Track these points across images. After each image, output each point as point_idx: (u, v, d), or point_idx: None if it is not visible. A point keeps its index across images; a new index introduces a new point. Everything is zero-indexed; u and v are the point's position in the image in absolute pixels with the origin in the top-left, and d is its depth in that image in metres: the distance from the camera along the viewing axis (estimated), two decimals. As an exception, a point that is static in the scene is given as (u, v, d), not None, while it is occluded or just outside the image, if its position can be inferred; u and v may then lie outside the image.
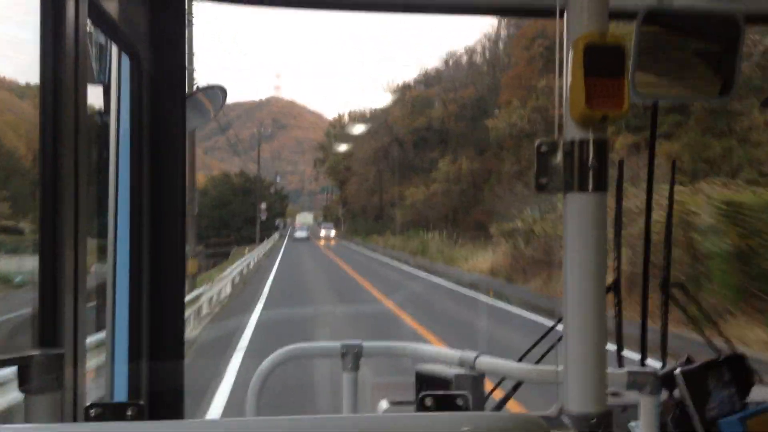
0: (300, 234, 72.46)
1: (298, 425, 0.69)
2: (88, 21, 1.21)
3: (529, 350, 1.77)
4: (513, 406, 1.37)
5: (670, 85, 1.34)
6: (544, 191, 0.86)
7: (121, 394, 1.48)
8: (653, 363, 1.65)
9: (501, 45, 48.34)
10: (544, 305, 14.61)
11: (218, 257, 39.24)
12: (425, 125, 51.76)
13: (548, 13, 1.60)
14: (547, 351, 1.69)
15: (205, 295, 15.05)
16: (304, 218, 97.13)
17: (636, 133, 20.25)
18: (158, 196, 1.55)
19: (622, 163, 1.76)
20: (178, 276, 1.59)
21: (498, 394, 1.75)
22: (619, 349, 1.74)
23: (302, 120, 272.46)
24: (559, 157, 0.85)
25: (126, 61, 1.51)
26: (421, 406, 1.01)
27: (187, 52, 1.66)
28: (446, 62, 59.02)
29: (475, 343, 10.66)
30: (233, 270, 22.07)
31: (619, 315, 1.71)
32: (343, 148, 74.22)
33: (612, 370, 1.45)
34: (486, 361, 1.54)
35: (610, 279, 1.72)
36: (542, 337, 1.75)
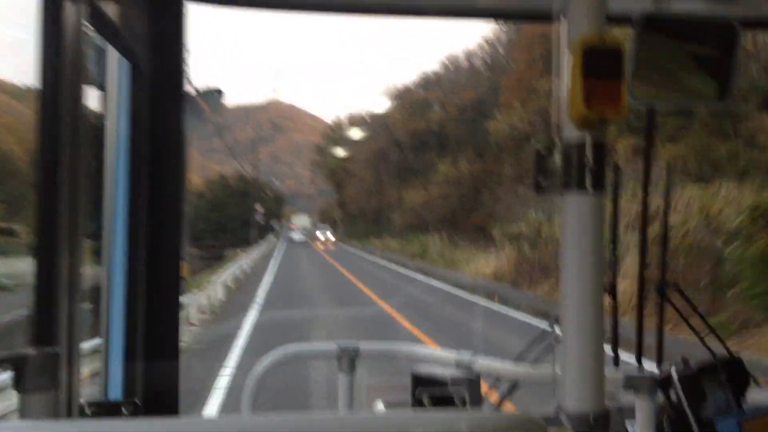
0: (296, 237, 72.30)
1: (293, 423, 0.69)
2: (87, 24, 1.22)
3: (525, 351, 1.78)
4: (509, 408, 1.37)
5: (667, 90, 1.35)
6: (542, 192, 0.87)
7: (116, 394, 1.49)
8: (649, 365, 1.66)
9: (501, 48, 48.34)
10: (555, 312, 14.37)
11: (214, 260, 39.13)
12: (424, 128, 51.72)
13: (546, 17, 1.62)
14: (544, 352, 1.70)
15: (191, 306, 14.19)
16: (301, 221, 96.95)
17: (639, 136, 20.21)
18: (156, 197, 1.57)
19: (618, 167, 1.77)
20: (174, 276, 1.61)
21: (495, 395, 1.76)
22: (615, 350, 1.75)
23: (300, 123, 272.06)
24: (557, 158, 0.86)
25: (124, 65, 1.52)
26: (418, 404, 1.02)
27: (185, 55, 1.67)
28: (446, 66, 59.07)
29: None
30: (224, 276, 21.30)
31: (615, 316, 1.73)
32: (341, 152, 74.09)
33: (608, 371, 1.46)
34: (482, 362, 1.55)
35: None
36: (538, 338, 1.76)
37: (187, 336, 12.12)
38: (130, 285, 1.51)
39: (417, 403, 1.04)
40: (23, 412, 0.96)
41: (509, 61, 43.43)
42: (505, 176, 35.55)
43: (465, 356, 1.58)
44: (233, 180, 67.85)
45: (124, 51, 1.50)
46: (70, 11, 1.11)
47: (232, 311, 16.26)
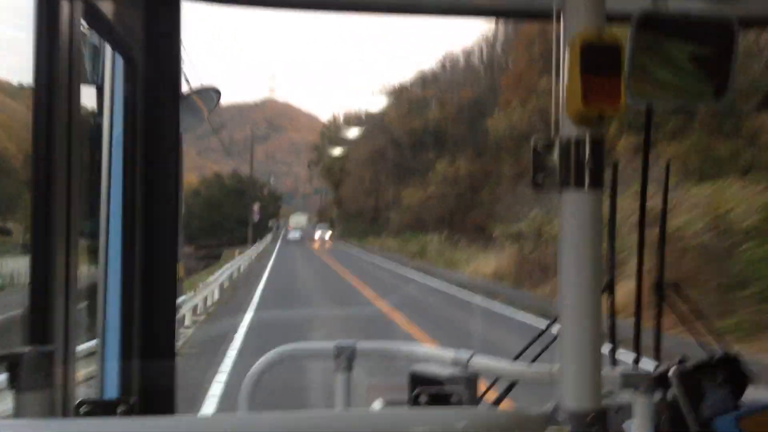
0: (293, 236, 72.31)
1: (290, 421, 0.70)
2: (83, 22, 1.22)
3: (524, 350, 1.79)
4: (507, 407, 1.38)
5: (664, 89, 1.36)
6: (540, 189, 0.88)
7: (112, 393, 1.49)
8: (647, 363, 1.67)
9: (499, 47, 48.36)
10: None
11: (210, 259, 39.07)
12: (422, 127, 51.70)
13: (545, 15, 1.62)
14: (542, 350, 1.71)
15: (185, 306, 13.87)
16: (298, 220, 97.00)
17: (640, 135, 20.13)
18: (151, 196, 1.57)
19: (617, 165, 1.78)
20: (170, 274, 1.61)
21: (492, 395, 1.77)
22: (614, 349, 1.75)
23: (297, 122, 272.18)
24: (555, 155, 0.86)
25: (120, 62, 1.52)
26: (415, 403, 1.03)
27: (181, 53, 1.67)
28: (443, 64, 59.08)
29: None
30: (218, 277, 20.62)
31: (613, 315, 1.73)
32: (338, 151, 74.11)
33: (606, 370, 1.47)
34: (480, 361, 1.55)
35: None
36: (537, 337, 1.77)
37: (180, 340, 11.85)
38: (126, 284, 1.52)
39: (415, 402, 1.04)
40: (18, 410, 0.96)
41: (508, 60, 43.46)
42: (504, 175, 35.53)
43: (463, 355, 1.58)
44: (229, 179, 67.83)
45: (120, 49, 1.50)
46: (65, 9, 1.11)
47: (227, 313, 15.90)
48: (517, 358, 1.70)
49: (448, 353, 1.61)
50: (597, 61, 0.82)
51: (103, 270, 1.51)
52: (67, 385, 1.05)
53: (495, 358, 1.56)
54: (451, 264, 29.92)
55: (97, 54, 1.51)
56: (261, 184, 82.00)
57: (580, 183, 0.84)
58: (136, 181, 1.54)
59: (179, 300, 13.39)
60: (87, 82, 1.51)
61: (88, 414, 0.89)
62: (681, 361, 1.53)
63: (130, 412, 0.90)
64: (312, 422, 0.70)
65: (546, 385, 1.33)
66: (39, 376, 0.98)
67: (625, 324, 1.74)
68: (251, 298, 18.61)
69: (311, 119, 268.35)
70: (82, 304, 1.25)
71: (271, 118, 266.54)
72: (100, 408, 0.90)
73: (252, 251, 38.21)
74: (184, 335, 12.67)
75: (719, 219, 13.36)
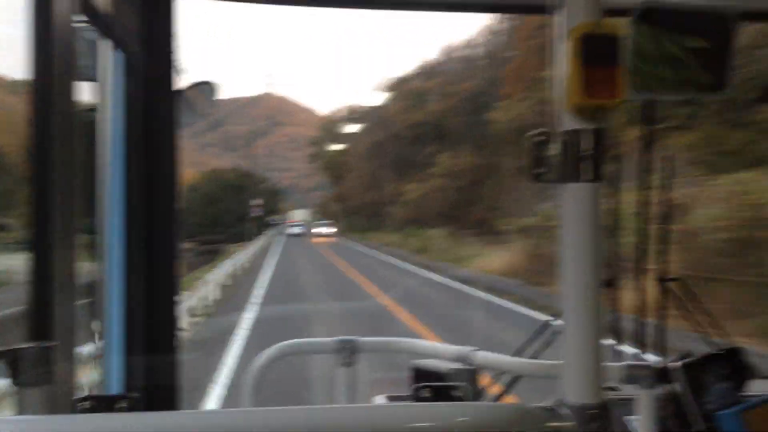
0: (294, 231, 72.34)
1: (293, 416, 0.70)
2: (79, 17, 1.22)
3: (526, 344, 1.79)
4: (509, 401, 1.38)
5: (664, 82, 1.37)
6: (539, 182, 0.88)
7: (115, 388, 1.50)
8: (651, 357, 1.68)
9: (500, 38, 48.25)
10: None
11: (210, 254, 39.05)
12: (423, 120, 51.61)
13: (542, 9, 1.62)
14: (545, 345, 1.72)
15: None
16: (299, 215, 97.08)
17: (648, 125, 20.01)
18: (151, 191, 1.58)
19: (620, 157, 1.78)
20: (172, 269, 1.62)
21: (495, 389, 1.77)
22: (617, 342, 1.76)
23: (296, 117, 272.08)
24: (555, 147, 0.86)
25: (117, 57, 1.53)
26: (417, 398, 1.03)
27: (178, 47, 1.68)
28: (444, 56, 58.97)
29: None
30: (216, 275, 19.57)
31: (616, 308, 1.74)
32: (337, 145, 74.07)
33: (610, 363, 1.48)
34: (483, 356, 1.56)
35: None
36: (539, 331, 1.77)
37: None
38: (127, 279, 1.53)
39: (416, 397, 1.05)
40: (20, 406, 0.97)
41: (511, 51, 43.32)
42: (507, 168, 35.35)
43: (465, 350, 1.59)
44: (228, 173, 67.83)
45: (117, 44, 1.50)
46: (61, 4, 1.12)
47: (227, 312, 15.29)
48: (519, 353, 1.71)
49: (450, 348, 1.62)
50: (596, 53, 0.82)
51: (104, 265, 1.52)
52: (68, 381, 1.06)
53: (497, 354, 1.57)
54: (456, 260, 29.11)
55: (93, 49, 1.51)
56: (261, 178, 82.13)
57: (580, 176, 0.84)
58: (135, 177, 1.55)
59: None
60: (84, 77, 1.51)
61: (89, 410, 0.89)
62: (684, 355, 1.54)
63: (131, 407, 0.91)
64: (314, 417, 0.71)
65: (549, 380, 1.34)
66: (40, 373, 0.99)
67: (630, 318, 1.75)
68: (250, 297, 17.92)
69: (310, 114, 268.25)
70: (83, 301, 1.26)
71: (271, 113, 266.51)
72: (102, 404, 0.90)
73: (252, 248, 37.88)
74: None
75: (747, 211, 12.96)
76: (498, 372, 1.66)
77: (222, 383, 8.67)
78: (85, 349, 1.41)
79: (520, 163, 32.18)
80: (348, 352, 1.73)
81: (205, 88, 2.10)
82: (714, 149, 18.44)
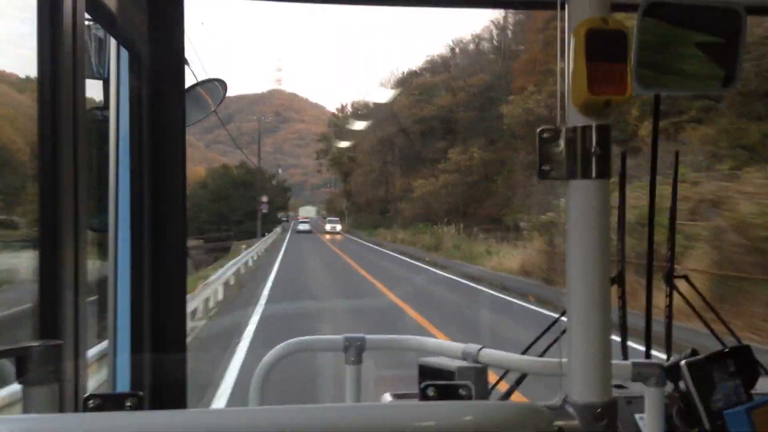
0: (302, 228, 72.43)
1: (300, 414, 0.71)
2: (87, 15, 1.23)
3: (533, 342, 1.80)
4: (517, 399, 1.38)
5: (671, 77, 1.37)
6: (546, 179, 0.88)
7: (123, 387, 1.52)
8: (658, 355, 1.68)
9: (510, 31, 48.06)
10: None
11: (219, 252, 39.07)
12: (433, 114, 51.40)
13: (549, 4, 1.62)
14: (552, 343, 1.72)
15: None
16: (307, 212, 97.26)
17: (662, 119, 19.74)
18: (158, 189, 1.59)
19: (625, 154, 1.78)
20: (179, 267, 1.63)
21: (502, 387, 1.78)
22: (624, 340, 1.76)
23: (304, 113, 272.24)
24: (561, 144, 0.86)
25: (125, 55, 1.54)
26: (423, 396, 1.04)
27: (185, 44, 1.69)
28: (453, 50, 58.79)
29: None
30: (221, 275, 18.48)
31: (623, 306, 1.74)
32: (345, 144, 73.92)
33: (617, 362, 1.48)
34: (489, 354, 1.56)
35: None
36: (547, 329, 1.78)
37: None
38: (135, 277, 1.54)
39: (422, 395, 1.05)
40: (27, 405, 0.98)
41: (522, 43, 43.09)
42: (519, 163, 35.04)
43: (472, 348, 1.60)
44: (236, 170, 67.86)
45: (124, 41, 1.52)
46: (69, 2, 1.13)
47: (232, 315, 14.46)
48: (526, 351, 1.72)
49: (458, 346, 1.63)
50: (603, 49, 0.82)
51: (112, 263, 1.53)
52: (76, 379, 1.07)
53: (504, 351, 1.57)
54: (470, 258, 28.35)
55: (101, 47, 1.53)
56: (269, 175, 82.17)
57: (586, 173, 0.84)
58: (143, 174, 1.56)
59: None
60: (92, 75, 1.53)
61: (96, 408, 0.90)
62: (692, 353, 1.54)
63: (139, 406, 0.92)
64: (321, 416, 0.71)
65: (556, 378, 1.34)
66: (48, 371, 1.00)
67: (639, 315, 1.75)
68: (258, 297, 17.04)
69: (319, 110, 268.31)
70: (92, 299, 1.27)
71: (279, 109, 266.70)
72: (109, 402, 0.91)
73: (260, 244, 37.50)
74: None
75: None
76: (505, 370, 1.67)
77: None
78: (93, 347, 1.42)
79: (533, 157, 31.56)
80: (355, 350, 1.73)
81: (212, 85, 2.11)
82: (734, 142, 18.09)
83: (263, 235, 49.19)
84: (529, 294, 16.52)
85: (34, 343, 1.00)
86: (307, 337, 1.81)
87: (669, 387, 1.52)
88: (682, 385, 1.52)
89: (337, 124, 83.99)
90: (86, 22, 1.26)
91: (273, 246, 43.06)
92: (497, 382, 1.77)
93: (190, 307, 13.22)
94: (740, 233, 12.11)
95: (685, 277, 1.70)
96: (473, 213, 40.25)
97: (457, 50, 58.15)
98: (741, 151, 17.41)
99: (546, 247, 20.97)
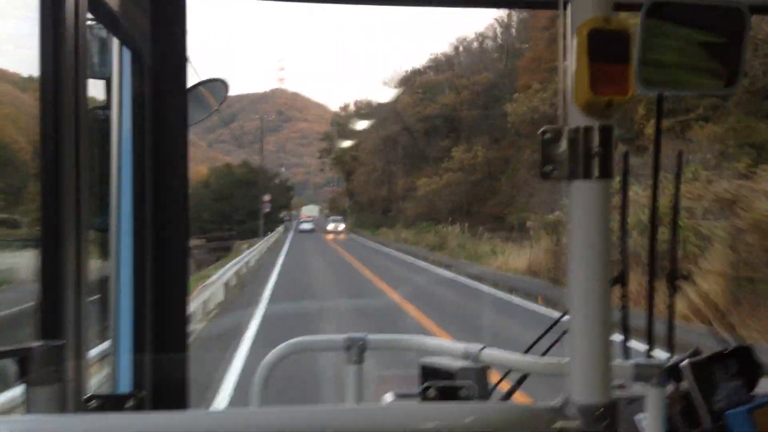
0: (305, 227, 72.46)
1: (302, 415, 0.72)
2: (89, 14, 1.24)
3: (535, 342, 1.81)
4: (519, 399, 1.39)
5: (675, 76, 1.37)
6: (548, 179, 0.88)
7: (125, 387, 1.52)
8: (660, 354, 1.68)
9: (514, 29, 47.95)
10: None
11: (221, 251, 39.07)
12: (436, 113, 51.31)
13: (551, 4, 1.63)
14: (554, 343, 1.73)
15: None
16: (310, 210, 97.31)
17: (668, 117, 19.79)
18: (160, 189, 1.60)
19: (628, 154, 1.79)
20: (181, 267, 1.64)
21: (503, 387, 1.79)
22: (626, 340, 1.77)
23: (307, 113, 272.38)
24: (563, 144, 0.87)
25: (127, 55, 1.55)
26: (424, 397, 1.04)
27: (188, 44, 1.69)
28: (456, 48, 58.70)
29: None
30: (220, 277, 17.83)
31: (625, 306, 1.75)
32: (348, 143, 73.88)
33: (618, 362, 1.48)
34: (491, 354, 1.57)
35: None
36: (549, 329, 1.78)
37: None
38: (137, 277, 1.55)
39: (424, 392, 1.06)
40: (29, 404, 0.98)
41: (526, 41, 42.97)
42: (524, 161, 34.94)
43: (473, 348, 1.60)
44: (239, 168, 67.89)
45: (126, 41, 1.52)
46: (71, 2, 1.13)
47: (231, 319, 14.00)
48: (528, 350, 1.72)
49: (459, 346, 1.63)
50: (605, 49, 0.82)
51: (114, 263, 1.54)
52: (78, 379, 1.08)
53: (506, 351, 1.58)
54: (476, 257, 28.09)
55: (104, 47, 1.53)
56: (272, 174, 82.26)
57: (588, 173, 0.84)
58: (145, 174, 1.57)
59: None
60: (94, 75, 1.54)
61: (98, 409, 0.91)
62: (694, 353, 1.55)
63: (140, 406, 0.92)
64: (322, 417, 0.72)
65: (559, 378, 1.35)
66: (49, 371, 1.00)
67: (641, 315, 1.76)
68: (259, 299, 16.65)
69: (322, 109, 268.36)
70: (93, 298, 1.27)
71: (282, 108, 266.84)
72: (111, 403, 0.92)
73: (262, 244, 37.25)
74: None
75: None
76: (507, 369, 1.67)
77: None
78: (95, 347, 1.43)
79: (537, 157, 31.32)
80: (356, 349, 1.74)
81: (214, 85, 2.12)
82: (742, 141, 17.92)
83: (265, 234, 49.19)
84: (539, 295, 16.14)
85: (36, 344, 1.01)
86: (308, 337, 1.82)
87: (671, 387, 1.53)
88: (684, 385, 1.52)
89: (340, 122, 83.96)
90: (88, 22, 1.26)
91: (275, 245, 42.97)
92: (499, 382, 1.78)
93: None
94: (758, 233, 11.79)
95: (687, 278, 1.71)
96: (477, 212, 40.17)
97: (460, 48, 58.13)
98: (749, 149, 17.27)
99: (553, 246, 20.68)
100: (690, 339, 1.69)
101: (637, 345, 1.77)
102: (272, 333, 11.86)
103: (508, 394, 1.78)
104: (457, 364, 1.58)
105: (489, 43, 53.64)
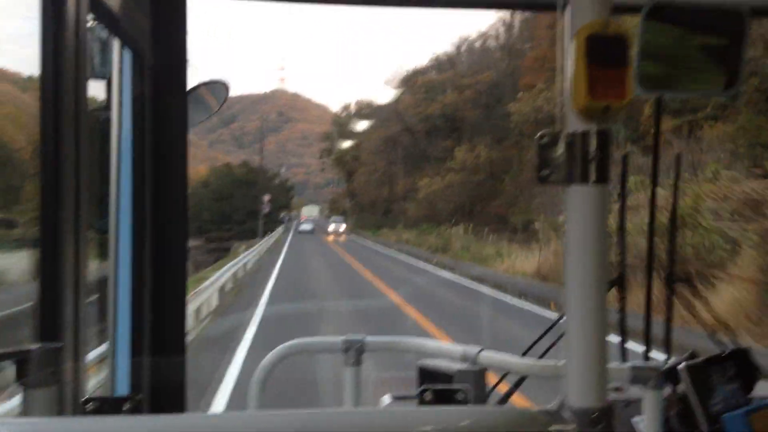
0: (305, 228, 72.20)
1: (299, 419, 0.72)
2: (90, 15, 1.25)
3: (533, 345, 1.81)
4: (517, 402, 1.40)
5: (674, 79, 1.38)
6: (546, 183, 0.89)
7: (123, 389, 1.53)
8: (657, 357, 1.69)
9: (517, 29, 47.85)
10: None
11: (220, 252, 38.99)
12: (438, 112, 51.15)
13: (550, 6, 1.64)
14: (551, 345, 1.74)
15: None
16: (310, 211, 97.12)
17: (677, 117, 19.73)
18: (160, 190, 1.61)
19: (626, 157, 1.80)
20: (180, 269, 1.64)
21: (501, 390, 1.79)
22: (623, 343, 1.78)
23: (307, 113, 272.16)
24: (561, 148, 0.87)
25: (128, 56, 1.55)
26: (421, 400, 1.05)
27: (188, 45, 1.70)
28: (459, 47, 58.65)
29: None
30: (216, 281, 16.94)
31: (623, 309, 1.76)
32: (349, 143, 73.75)
33: (615, 364, 1.49)
34: (489, 356, 1.57)
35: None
36: (546, 331, 1.79)
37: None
38: (135, 279, 1.55)
39: (421, 396, 1.07)
40: (26, 407, 0.99)
41: (529, 41, 42.81)
42: (528, 161, 34.66)
43: (471, 350, 1.61)
44: (238, 168, 67.81)
45: (127, 42, 1.53)
46: (72, 2, 1.14)
47: (226, 324, 13.53)
48: (525, 353, 1.73)
49: (457, 348, 1.64)
50: (603, 53, 0.83)
51: (112, 265, 1.54)
52: (76, 381, 1.08)
53: (503, 353, 1.58)
54: (481, 260, 27.37)
55: (105, 47, 1.54)
56: (272, 174, 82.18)
57: (586, 178, 0.85)
58: (145, 175, 1.57)
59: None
60: (95, 75, 1.54)
61: (95, 411, 0.92)
62: (691, 356, 1.56)
63: (138, 409, 0.93)
64: (319, 420, 0.73)
65: (556, 380, 1.36)
66: (47, 373, 1.01)
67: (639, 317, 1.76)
68: (256, 304, 15.90)
69: (322, 110, 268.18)
70: (91, 299, 1.28)
71: (282, 109, 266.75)
72: (108, 405, 0.92)
73: (261, 245, 36.62)
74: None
75: None
76: (504, 372, 1.68)
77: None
78: (93, 350, 1.44)
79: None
80: (355, 351, 1.74)
81: (215, 86, 2.13)
82: (753, 140, 17.72)
83: (265, 235, 48.99)
84: (551, 301, 15.13)
85: (34, 346, 1.01)
86: (306, 339, 1.82)
87: (668, 390, 1.53)
88: (681, 387, 1.53)
89: (341, 123, 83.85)
90: (89, 23, 1.27)
91: (275, 245, 42.70)
92: (497, 384, 1.79)
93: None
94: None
95: (687, 280, 1.72)
96: (480, 213, 40.01)
97: (463, 48, 58.10)
98: (761, 149, 17.11)
99: (558, 249, 20.02)
100: (688, 341, 1.70)
101: (635, 347, 1.79)
102: (270, 337, 11.30)
103: (506, 397, 1.79)
104: (455, 366, 1.59)
105: (492, 42, 53.62)
